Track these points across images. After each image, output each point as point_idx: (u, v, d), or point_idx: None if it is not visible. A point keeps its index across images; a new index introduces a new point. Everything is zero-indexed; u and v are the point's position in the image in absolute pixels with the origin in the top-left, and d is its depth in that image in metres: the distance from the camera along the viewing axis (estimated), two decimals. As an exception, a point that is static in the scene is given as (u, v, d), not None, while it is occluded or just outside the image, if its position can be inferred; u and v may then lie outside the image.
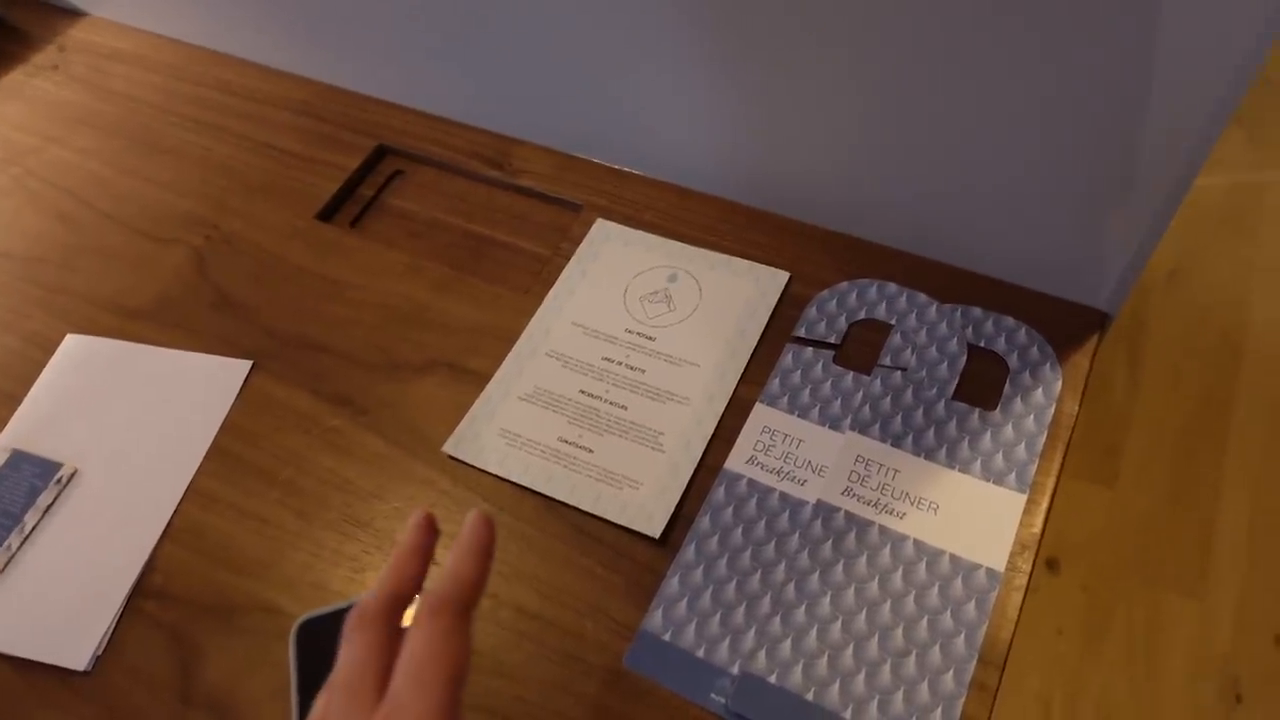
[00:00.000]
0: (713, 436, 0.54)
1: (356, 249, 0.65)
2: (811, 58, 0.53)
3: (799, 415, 0.54)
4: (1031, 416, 0.52)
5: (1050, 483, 0.50)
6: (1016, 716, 1.02)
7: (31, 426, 0.58)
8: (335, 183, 0.69)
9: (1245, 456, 1.22)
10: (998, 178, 0.55)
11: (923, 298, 0.58)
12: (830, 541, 0.49)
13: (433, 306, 0.61)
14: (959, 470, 0.51)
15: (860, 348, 0.56)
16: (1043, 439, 0.52)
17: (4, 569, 0.53)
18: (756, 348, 0.57)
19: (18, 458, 0.57)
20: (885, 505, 0.50)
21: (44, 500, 0.55)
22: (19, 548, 0.53)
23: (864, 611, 0.47)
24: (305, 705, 0.45)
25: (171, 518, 0.54)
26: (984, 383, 0.54)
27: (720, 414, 0.54)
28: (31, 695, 0.49)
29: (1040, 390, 0.53)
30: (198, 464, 0.56)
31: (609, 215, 0.65)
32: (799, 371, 0.56)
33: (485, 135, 0.71)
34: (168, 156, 0.73)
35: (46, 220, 0.70)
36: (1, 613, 0.51)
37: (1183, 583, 1.10)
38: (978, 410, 0.53)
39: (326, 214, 0.68)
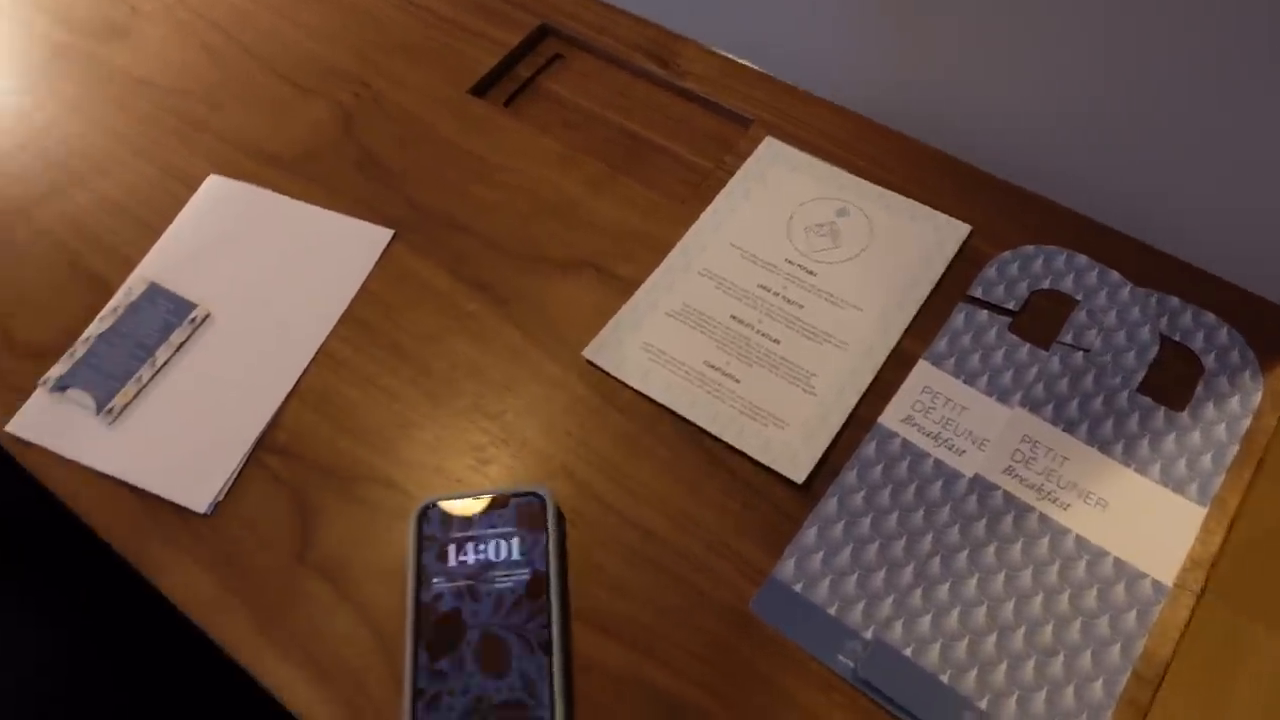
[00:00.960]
0: (868, 388, 0.50)
1: (509, 130, 0.62)
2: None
3: (965, 380, 0.50)
4: (1223, 425, 0.48)
5: (1235, 500, 0.46)
6: None
7: (169, 262, 0.57)
8: (493, 58, 0.66)
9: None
10: (1228, 159, 0.50)
11: (1116, 276, 0.53)
12: (984, 520, 0.46)
13: (584, 203, 0.58)
14: (1135, 469, 0.47)
15: (1040, 319, 0.52)
16: (1233, 451, 0.47)
17: (134, 399, 0.52)
18: (926, 301, 0.53)
19: (154, 291, 0.56)
20: (1049, 492, 0.47)
21: (176, 338, 0.54)
22: (149, 380, 0.53)
23: (1013, 601, 0.44)
24: (419, 590, 0.44)
25: (301, 377, 0.53)
26: (1174, 379, 0.50)
27: (879, 365, 0.51)
28: (152, 529, 0.49)
29: (1237, 398, 0.49)
30: (331, 327, 0.54)
31: (778, 134, 0.60)
32: (970, 334, 0.52)
33: (654, 29, 0.66)
34: (323, 4, 0.70)
35: (193, 53, 0.68)
36: (129, 443, 0.51)
37: None
38: (1164, 408, 0.49)
39: (480, 89, 0.65)
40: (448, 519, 0.46)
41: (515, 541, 0.45)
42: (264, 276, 0.56)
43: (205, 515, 0.49)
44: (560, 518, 0.47)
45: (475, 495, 0.47)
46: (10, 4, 0.72)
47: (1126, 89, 0.49)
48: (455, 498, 0.47)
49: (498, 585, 0.44)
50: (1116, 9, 0.46)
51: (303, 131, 0.63)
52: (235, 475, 0.50)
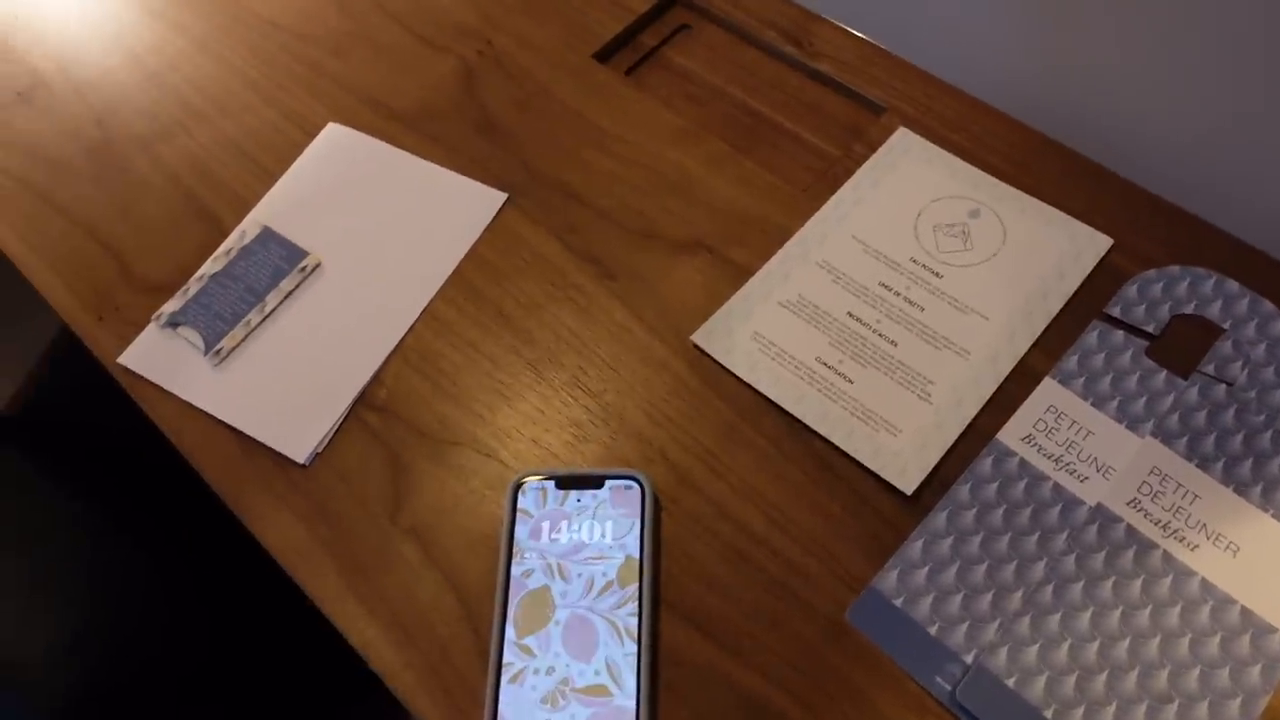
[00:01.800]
0: (989, 401, 0.48)
1: (630, 100, 0.60)
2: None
3: (1094, 404, 0.47)
4: (1377, 478, 0.44)
5: (1384, 559, 0.43)
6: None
7: (283, 208, 0.58)
8: (619, 23, 0.64)
9: None
10: None
11: (1269, 307, 0.49)
12: (1104, 553, 0.44)
13: (703, 182, 0.57)
14: (1273, 515, 0.44)
15: (1180, 345, 0.49)
16: (1385, 507, 0.44)
17: (241, 343, 0.53)
18: (1058, 315, 0.50)
19: (267, 235, 0.56)
20: (1176, 530, 0.44)
21: (287, 285, 0.54)
22: (258, 325, 0.53)
23: (1128, 640, 0.42)
24: (510, 564, 0.44)
25: (405, 335, 0.52)
26: (1325, 423, 0.46)
27: (1002, 378, 0.48)
28: (250, 473, 0.49)
29: (1394, 450, 0.45)
30: (438, 287, 0.54)
31: (913, 125, 0.58)
32: (1103, 355, 0.49)
33: (789, 5, 0.64)
34: (450, -43, 0.69)
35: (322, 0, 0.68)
36: (234, 386, 0.51)
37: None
38: (1311, 453, 0.45)
39: (604, 55, 0.63)
40: (544, 494, 0.46)
41: (610, 524, 0.45)
42: (375, 230, 0.56)
43: (303, 465, 0.49)
44: (657, 504, 0.46)
45: (573, 473, 0.46)
46: (146, -62, 0.73)
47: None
48: (553, 474, 0.46)
49: (589, 567, 0.44)
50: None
51: (424, 87, 0.62)
52: (335, 429, 0.50)
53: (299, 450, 0.49)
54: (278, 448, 0.49)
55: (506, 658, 0.42)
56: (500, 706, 0.41)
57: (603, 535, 0.44)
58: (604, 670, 0.41)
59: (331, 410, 0.50)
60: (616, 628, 0.42)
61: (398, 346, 0.52)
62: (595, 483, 0.46)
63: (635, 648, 0.42)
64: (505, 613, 0.43)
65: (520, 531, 0.45)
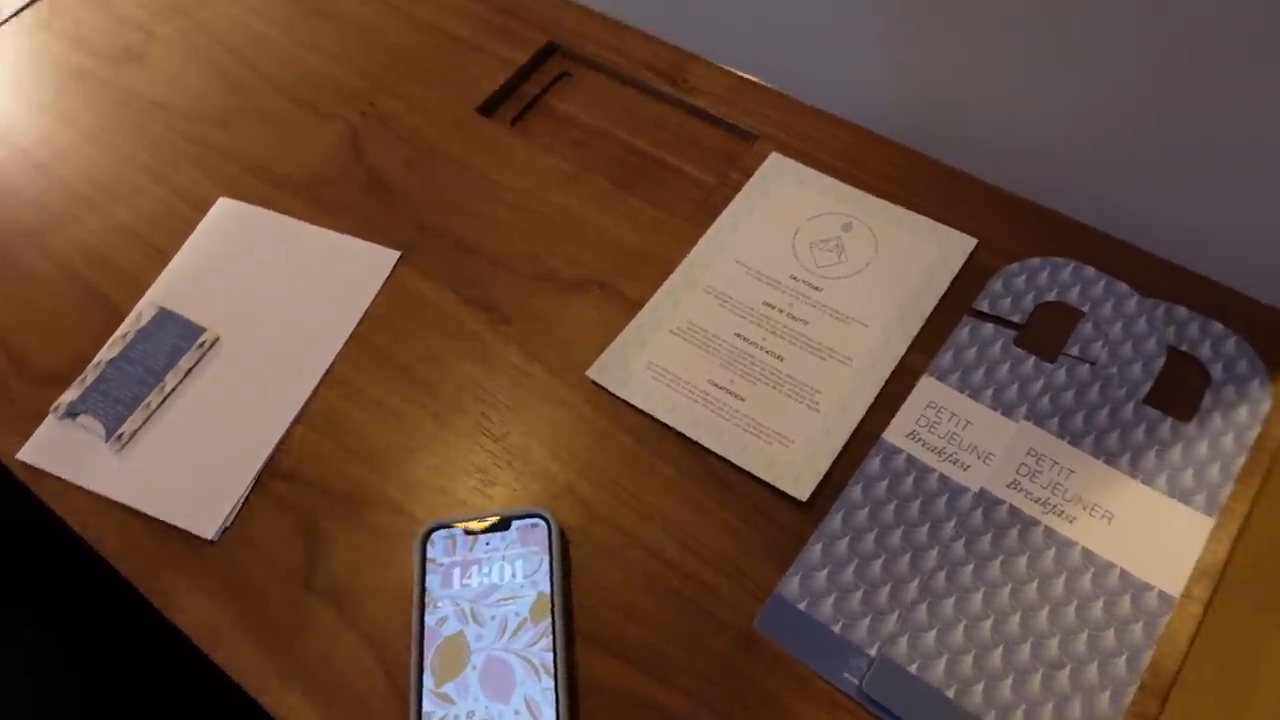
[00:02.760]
0: (873, 403, 0.50)
1: (515, 149, 0.62)
2: (1039, 7, 0.48)
3: (970, 395, 0.50)
4: (1231, 435, 0.48)
5: (1244, 510, 0.46)
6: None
7: (178, 286, 0.58)
8: (500, 77, 0.66)
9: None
10: (1235, 168, 0.49)
11: (1123, 287, 0.53)
12: (990, 535, 0.46)
13: (590, 221, 0.59)
14: (1141, 481, 0.47)
15: (1045, 332, 0.52)
16: (1241, 461, 0.47)
17: (143, 426, 0.53)
18: (931, 315, 0.53)
19: (164, 316, 0.56)
20: (1054, 506, 0.46)
21: (185, 363, 0.55)
22: (158, 407, 0.53)
23: (1018, 614, 0.44)
24: (424, 614, 0.44)
25: (308, 401, 0.53)
26: (1181, 390, 0.49)
27: (883, 381, 0.51)
28: (160, 555, 0.49)
29: (1245, 407, 0.48)
30: (338, 349, 0.55)
31: (784, 149, 0.60)
32: (975, 348, 0.51)
33: (661, 46, 0.66)
34: (333, 25, 0.71)
35: (206, 76, 0.69)
36: (138, 470, 0.51)
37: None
38: (1170, 419, 0.48)
39: (488, 108, 0.65)
40: (452, 542, 0.47)
41: (519, 563, 0.46)
42: (272, 299, 0.57)
43: (213, 542, 0.49)
44: (564, 540, 0.47)
45: (478, 518, 0.47)
46: (28, 28, 0.74)
47: (1131, 100, 0.49)
48: (458, 521, 0.47)
49: (502, 608, 0.44)
50: (1118, 22, 0.46)
51: (312, 154, 0.64)
52: (243, 501, 0.50)
53: (207, 527, 0.49)
54: (186, 527, 0.49)
55: (426, 707, 0.42)
56: None
57: (514, 575, 0.45)
58: (523, 709, 0.42)
59: (238, 483, 0.51)
60: (533, 665, 0.43)
61: (301, 412, 0.53)
62: (502, 525, 0.47)
63: (552, 682, 0.43)
64: (422, 663, 0.43)
65: (431, 581, 0.46)
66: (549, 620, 0.44)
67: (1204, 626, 0.43)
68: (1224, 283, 0.52)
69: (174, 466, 0.51)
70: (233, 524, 0.50)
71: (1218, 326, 0.51)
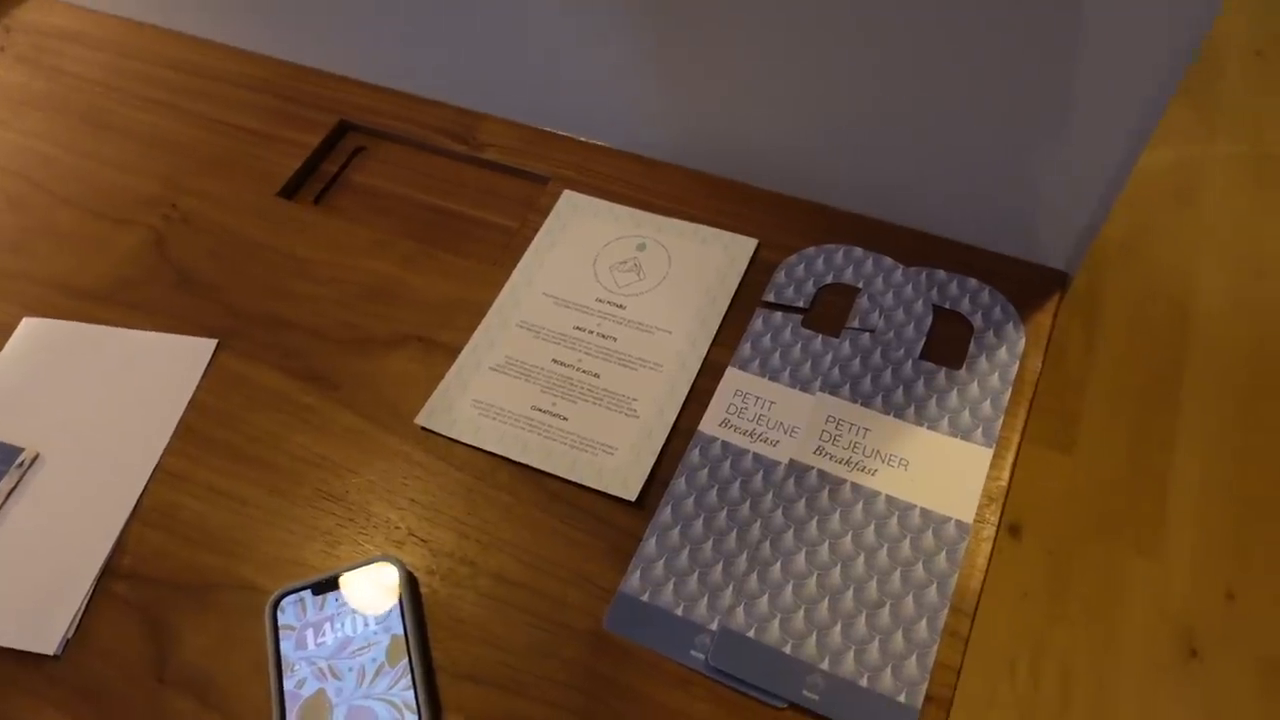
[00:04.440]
0: (686, 401, 0.54)
1: (321, 226, 0.65)
2: (764, 28, 0.54)
3: (770, 378, 0.55)
4: (996, 374, 0.54)
5: (1015, 437, 0.52)
6: (984, 677, 1.04)
7: (-11, 411, 0.57)
8: (296, 160, 0.68)
9: (1196, 422, 1.26)
10: (953, 141, 0.56)
11: (888, 261, 0.59)
12: (804, 500, 0.50)
13: (401, 281, 0.61)
14: (927, 427, 0.52)
15: (828, 311, 0.57)
16: (1007, 395, 0.53)
17: (-33, 555, 0.51)
18: (727, 313, 0.58)
19: (-24, 443, 0.55)
20: (857, 463, 0.51)
21: (6, 484, 0.54)
22: (-18, 533, 0.52)
23: (838, 566, 0.48)
24: (282, 679, 0.45)
25: (140, 499, 0.53)
26: (950, 342, 0.55)
27: (693, 379, 0.55)
28: (1, 681, 0.48)
29: (1004, 348, 0.55)
30: (165, 444, 0.55)
31: (576, 187, 0.65)
32: (769, 335, 0.56)
33: (449, 110, 0.70)
34: (119, 136, 0.71)
35: (-4, 203, 0.69)
36: (-34, 599, 0.50)
37: (1140, 543, 1.13)
38: (944, 369, 0.54)
39: (288, 191, 0.67)
40: (301, 605, 0.47)
41: (370, 612, 0.47)
42: (90, 407, 0.57)
43: (56, 656, 0.48)
44: (412, 581, 0.49)
45: (324, 577, 0.48)
46: None
47: (862, 101, 0.56)
48: (305, 585, 0.48)
49: (358, 658, 0.46)
50: (834, 44, 0.52)
51: (116, 262, 0.64)
52: (82, 609, 0.49)
53: (47, 643, 0.48)
54: (24, 647, 0.48)
55: None
56: None
57: (366, 624, 0.47)
58: None
59: (75, 593, 0.50)
60: (395, 705, 0.44)
61: (134, 511, 0.53)
62: (349, 579, 0.48)
63: (416, 717, 0.44)
64: None
65: (285, 646, 0.46)
66: (406, 660, 0.45)
67: (996, 544, 0.49)
68: (972, 243, 0.59)
69: (5, 590, 0.50)
70: (74, 634, 0.49)
71: (972, 282, 0.57)
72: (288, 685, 0.45)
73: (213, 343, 0.59)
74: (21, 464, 0.54)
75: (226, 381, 0.58)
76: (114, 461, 0.54)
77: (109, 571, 0.51)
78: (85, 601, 0.50)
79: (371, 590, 0.48)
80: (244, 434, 0.55)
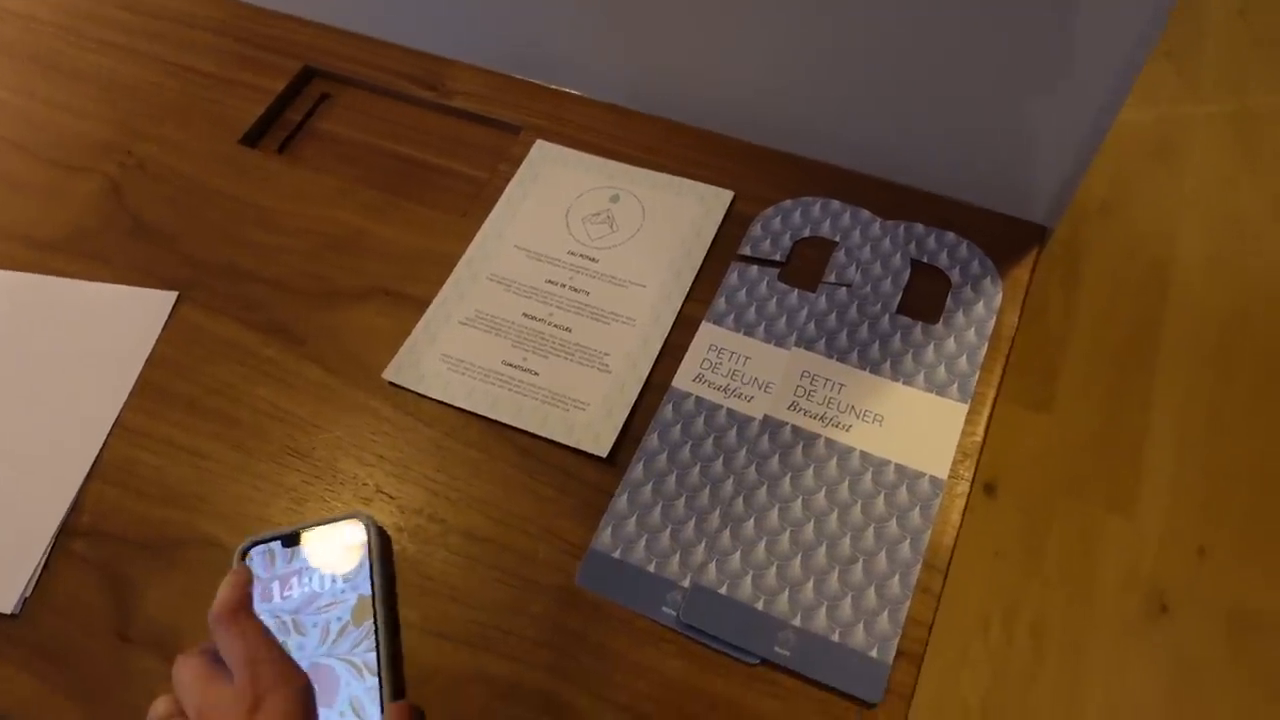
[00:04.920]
0: (659, 355, 0.53)
1: (285, 174, 0.62)
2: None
3: (745, 333, 0.54)
4: (973, 329, 0.53)
5: (991, 393, 0.51)
6: (958, 634, 1.05)
7: (-59, 365, 0.55)
8: (259, 106, 0.66)
9: (1172, 382, 1.26)
10: (934, 92, 0.55)
11: (866, 214, 0.57)
12: (778, 456, 0.49)
13: (368, 232, 0.59)
14: (903, 383, 0.51)
15: (805, 265, 0.56)
16: (984, 350, 0.52)
17: (-82, 512, 0.50)
18: (701, 267, 0.56)
19: (-73, 397, 0.54)
20: (831, 419, 0.50)
21: (-41, 440, 0.52)
22: (-66, 490, 0.51)
23: (811, 522, 0.47)
24: None
25: (99, 455, 0.52)
26: (927, 297, 0.54)
27: (666, 333, 0.54)
28: (-44, 639, 0.47)
29: (981, 303, 0.54)
30: (123, 399, 0.53)
31: (548, 136, 0.63)
32: (744, 290, 0.55)
33: (417, 55, 0.68)
34: (73, 80, 0.69)
35: (-54, 150, 0.66)
36: (-82, 556, 0.49)
37: (1114, 501, 1.14)
38: (920, 324, 0.53)
39: (251, 139, 0.65)
40: (270, 557, 0.46)
41: (339, 569, 0.46)
42: (46, 361, 0.55)
43: (13, 615, 0.47)
44: (382, 538, 0.48)
45: (295, 529, 0.47)
46: None
47: (843, 51, 0.54)
48: (275, 536, 0.47)
49: (323, 615, 0.45)
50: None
51: (70, 210, 0.62)
52: (40, 568, 0.48)
53: (5, 601, 0.47)
54: (-19, 605, 0.47)
55: None
56: None
57: (334, 581, 0.46)
58: (348, 709, 0.42)
59: (32, 552, 0.49)
60: (356, 666, 0.43)
61: (93, 468, 0.51)
62: (317, 534, 0.47)
63: (376, 680, 0.43)
64: None
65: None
66: (371, 621, 0.45)
67: (970, 502, 0.48)
68: (949, 195, 0.58)
69: (-42, 548, 0.49)
70: (33, 593, 0.48)
71: (950, 236, 0.56)
72: None
73: (173, 295, 0.57)
74: (-26, 419, 0.53)
75: (186, 334, 0.56)
76: (71, 418, 0.53)
77: (67, 530, 0.50)
78: (44, 559, 0.48)
79: (343, 546, 0.47)
80: (205, 387, 0.54)
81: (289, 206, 0.61)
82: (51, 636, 0.47)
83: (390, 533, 0.49)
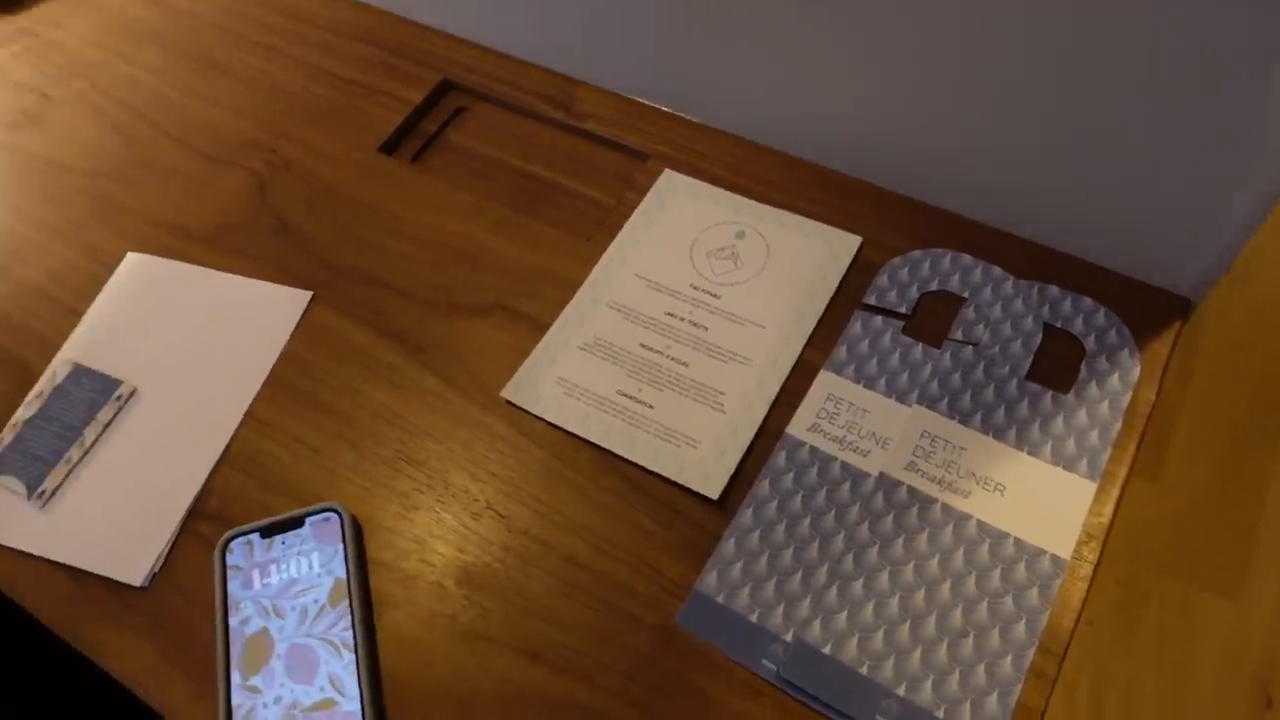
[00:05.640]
0: (775, 400, 0.53)
1: (418, 184, 0.64)
2: (893, 9, 0.51)
3: (865, 385, 0.53)
4: (1107, 403, 0.51)
5: (1122, 473, 0.49)
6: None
7: (92, 342, 0.58)
8: (398, 115, 0.68)
9: (1293, 457, 1.19)
10: (1087, 152, 0.53)
11: (999, 272, 0.56)
12: (892, 515, 0.48)
13: (493, 248, 0.60)
14: (1028, 453, 0.50)
15: (931, 319, 0.55)
16: (1117, 426, 0.50)
17: (64, 481, 0.53)
18: (824, 313, 0.56)
19: (79, 372, 0.57)
20: (950, 483, 0.49)
21: (103, 416, 0.55)
22: (79, 461, 0.54)
23: (923, 589, 0.46)
24: (227, 617, 0.47)
25: (229, 442, 0.54)
26: (1059, 364, 0.52)
27: (784, 378, 0.53)
28: (85, 606, 0.49)
29: (1117, 376, 0.52)
30: (256, 391, 0.55)
31: (676, 166, 0.63)
32: (867, 340, 0.54)
33: (552, 76, 0.69)
34: (228, 78, 0.72)
35: (107, 135, 0.70)
36: (61, 523, 0.51)
37: (1220, 583, 1.08)
38: (1051, 392, 0.51)
39: (388, 147, 0.67)
40: (249, 547, 0.49)
41: (315, 556, 0.48)
42: (187, 348, 0.58)
43: (142, 588, 0.49)
44: (356, 527, 0.50)
45: (273, 520, 0.49)
46: (-81, 104, 0.73)
47: (989, 94, 0.53)
48: (255, 528, 0.49)
49: (301, 599, 0.47)
50: (970, 24, 0.49)
51: (217, 203, 0.64)
52: (169, 545, 0.51)
53: (135, 574, 0.50)
54: (113, 575, 0.50)
55: (235, 701, 0.45)
56: None
57: (310, 567, 0.48)
58: (328, 685, 0.45)
59: (164, 529, 0.51)
60: (334, 644, 0.46)
61: (223, 454, 0.54)
62: (296, 523, 0.49)
63: (354, 657, 0.45)
64: (229, 662, 0.46)
65: (233, 586, 0.48)
66: (347, 601, 0.47)
67: (1094, 585, 0.46)
68: (1090, 260, 0.56)
69: (99, 518, 0.51)
70: (160, 568, 0.50)
71: (1088, 302, 0.54)
72: (233, 622, 0.47)
73: (308, 294, 0.59)
74: (120, 397, 0.56)
75: (317, 333, 0.58)
76: (207, 403, 0.55)
77: (195, 512, 0.52)
78: (173, 538, 0.51)
79: (317, 535, 0.49)
80: (330, 387, 0.56)
81: (419, 216, 0.62)
82: (172, 613, 0.49)
83: (495, 551, 0.49)
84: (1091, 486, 0.48)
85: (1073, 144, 0.53)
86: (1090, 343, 0.53)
